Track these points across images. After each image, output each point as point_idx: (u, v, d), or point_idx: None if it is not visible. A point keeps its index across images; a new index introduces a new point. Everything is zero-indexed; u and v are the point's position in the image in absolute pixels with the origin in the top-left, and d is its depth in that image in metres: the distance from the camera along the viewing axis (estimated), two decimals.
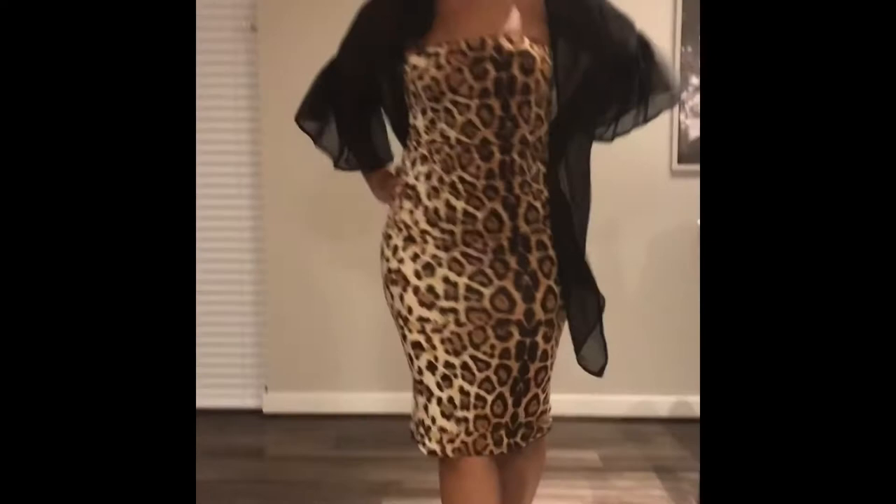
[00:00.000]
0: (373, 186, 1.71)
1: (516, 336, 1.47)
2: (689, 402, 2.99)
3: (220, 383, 3.11)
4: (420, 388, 1.51)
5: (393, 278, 1.50)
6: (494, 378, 1.46)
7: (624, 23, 1.52)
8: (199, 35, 2.88)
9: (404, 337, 1.51)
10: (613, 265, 2.98)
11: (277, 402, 3.07)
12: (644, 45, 1.56)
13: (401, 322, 1.51)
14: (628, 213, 2.94)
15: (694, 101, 2.85)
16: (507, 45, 1.39)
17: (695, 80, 2.84)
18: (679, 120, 2.87)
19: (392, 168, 1.65)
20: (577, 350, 1.61)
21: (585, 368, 1.67)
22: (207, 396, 3.07)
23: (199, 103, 2.91)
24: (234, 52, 2.96)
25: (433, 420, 1.48)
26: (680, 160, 2.89)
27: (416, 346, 1.48)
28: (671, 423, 2.98)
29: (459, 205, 1.43)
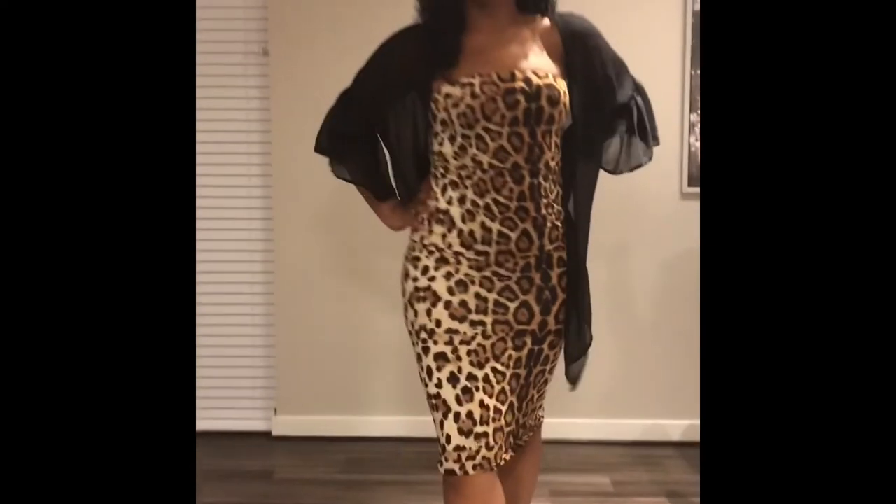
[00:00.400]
0: (383, 215, 1.77)
1: (529, 345, 1.57)
2: None
3: (228, 405, 3.10)
4: (436, 403, 1.53)
5: (420, 295, 1.57)
6: (507, 388, 1.55)
7: (623, 66, 1.67)
8: (212, 59, 2.93)
9: (426, 350, 1.55)
10: (624, 288, 2.97)
11: (286, 425, 3.06)
12: (639, 87, 1.72)
13: (424, 336, 1.56)
14: (639, 236, 2.93)
15: None
16: (535, 79, 1.50)
17: None
18: (689, 142, 2.87)
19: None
20: (568, 360, 1.67)
21: (569, 376, 1.70)
22: (216, 419, 3.07)
23: (213, 126, 2.95)
24: (246, 76, 2.98)
25: (448, 439, 1.51)
26: (690, 183, 2.89)
27: (441, 357, 1.52)
28: (683, 447, 2.94)
29: (495, 226, 1.51)
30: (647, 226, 2.93)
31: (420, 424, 2.92)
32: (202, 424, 3.05)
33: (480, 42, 1.54)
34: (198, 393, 3.03)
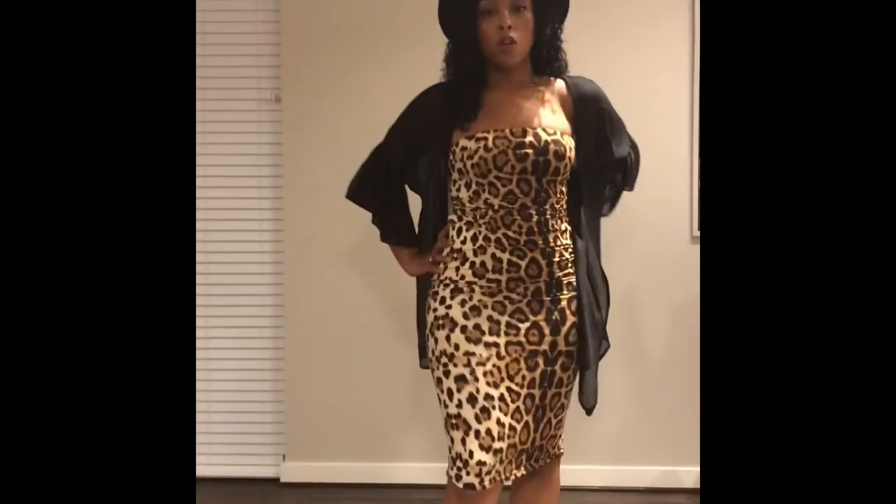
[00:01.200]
0: (404, 262, 1.92)
1: (542, 366, 1.71)
2: None
3: (236, 451, 3.07)
4: (456, 422, 1.65)
5: (440, 323, 1.72)
6: (522, 407, 1.69)
7: (622, 126, 1.90)
8: (225, 105, 2.98)
9: (447, 374, 1.68)
10: (636, 333, 2.95)
11: (295, 471, 3.03)
12: (633, 144, 1.95)
13: (445, 360, 1.69)
14: (650, 281, 2.93)
15: None
16: (544, 135, 1.69)
17: None
18: (698, 187, 2.88)
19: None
20: (583, 374, 1.79)
21: (582, 402, 1.83)
22: (224, 465, 3.04)
23: (224, 171, 2.98)
24: (258, 121, 3.01)
25: (471, 454, 1.62)
26: (700, 227, 2.89)
27: (460, 378, 1.66)
28: (696, 494, 2.90)
29: (505, 256, 1.69)
30: (658, 271, 2.92)
31: (431, 471, 2.89)
32: (210, 470, 3.02)
33: (497, 99, 1.74)
34: (206, 438, 3.01)
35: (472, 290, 1.70)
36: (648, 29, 2.88)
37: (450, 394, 1.67)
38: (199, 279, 2.99)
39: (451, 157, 1.73)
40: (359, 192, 1.90)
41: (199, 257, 2.99)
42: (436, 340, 1.72)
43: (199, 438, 3.00)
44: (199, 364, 2.99)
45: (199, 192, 2.97)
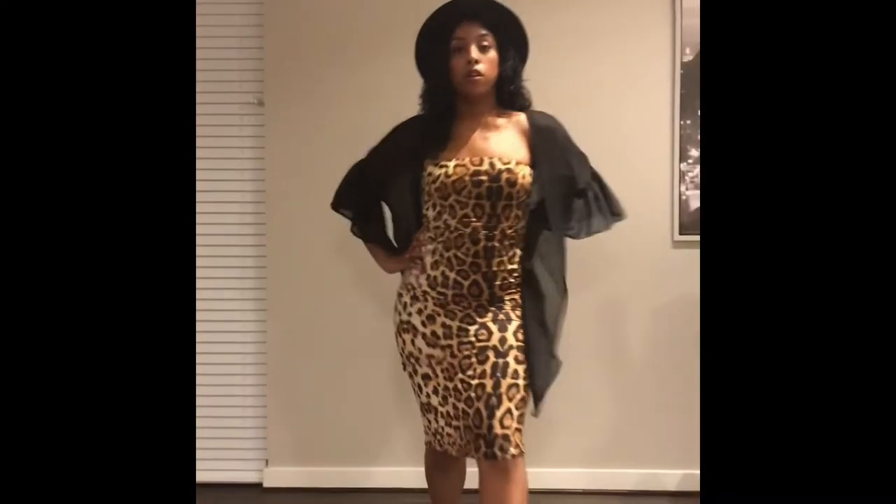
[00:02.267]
0: (381, 260, 2.17)
1: (492, 358, 1.91)
2: (697, 476, 2.94)
3: (219, 457, 3.06)
4: (428, 407, 2.04)
5: (405, 328, 2.03)
6: (473, 395, 1.90)
7: (582, 157, 2.09)
8: (209, 109, 2.97)
9: (415, 371, 2.03)
10: (617, 337, 2.97)
11: (278, 476, 3.02)
12: (595, 174, 2.13)
13: (413, 360, 2.03)
14: (631, 285, 2.95)
15: (694, 172, 2.89)
16: (498, 164, 1.91)
17: (694, 153, 2.89)
18: (679, 191, 2.90)
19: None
20: (534, 388, 1.98)
21: (534, 392, 1.99)
22: (207, 470, 3.02)
23: (207, 175, 2.97)
24: (241, 125, 3.01)
25: (442, 429, 2.01)
26: (681, 231, 2.91)
27: (426, 376, 2.01)
28: (679, 497, 2.92)
29: (451, 275, 1.95)
30: (640, 275, 2.94)
31: (415, 475, 2.89)
32: None
33: (464, 130, 1.99)
34: None
35: (427, 300, 1.98)
36: (629, 34, 2.91)
37: (419, 387, 2.04)
38: None
39: (422, 180, 1.98)
40: (340, 202, 2.16)
41: None
42: (403, 342, 2.05)
43: None
44: None
45: None
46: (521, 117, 2.03)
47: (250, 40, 3.00)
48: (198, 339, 3.01)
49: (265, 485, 3.02)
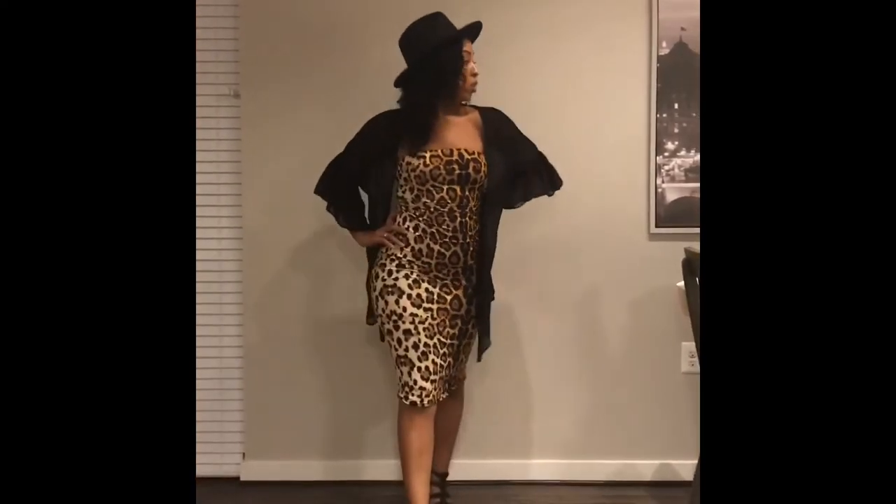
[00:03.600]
0: (357, 237, 2.50)
1: (460, 325, 2.41)
2: (674, 467, 2.97)
3: (197, 450, 3.02)
4: (404, 361, 2.31)
5: (389, 290, 2.33)
6: (447, 352, 2.36)
7: (528, 143, 2.49)
8: None
9: (396, 328, 2.31)
10: (595, 329, 2.99)
11: (255, 469, 3.01)
12: (540, 155, 2.52)
13: (395, 318, 2.31)
14: (608, 277, 2.96)
15: (669, 165, 2.91)
16: (466, 155, 2.32)
17: (670, 146, 2.90)
18: (656, 184, 2.92)
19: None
20: (483, 335, 2.47)
21: (482, 346, 2.50)
22: None
23: None
24: (217, 117, 2.99)
25: (415, 382, 2.29)
26: (658, 223, 2.93)
27: (407, 332, 2.30)
28: (655, 486, 2.94)
29: (436, 247, 2.33)
30: (616, 267, 2.96)
31: (392, 468, 2.90)
32: None
33: (441, 129, 2.35)
34: None
35: (412, 268, 2.33)
36: (606, 28, 2.91)
37: (399, 342, 2.30)
38: None
39: (398, 168, 2.35)
40: (321, 189, 2.48)
41: None
42: (386, 303, 2.33)
43: None
44: None
45: None
46: (475, 113, 2.43)
47: (225, 31, 2.97)
48: None
49: (242, 478, 3.01)
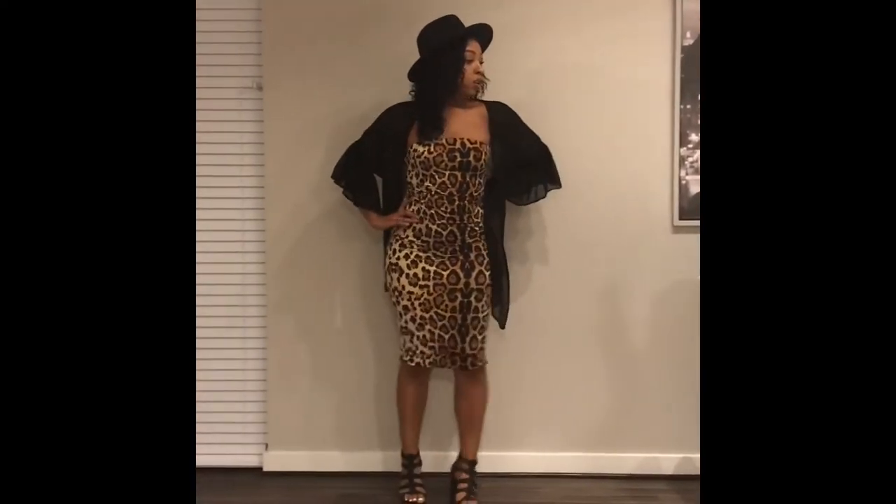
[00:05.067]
0: (371, 220, 2.74)
1: (460, 298, 2.58)
2: (695, 460, 2.95)
3: (219, 441, 3.07)
4: (405, 330, 2.62)
5: (393, 268, 2.61)
6: (448, 325, 2.58)
7: (533, 136, 2.67)
8: (208, 93, 2.96)
9: (398, 303, 2.61)
10: (617, 322, 2.97)
11: (278, 460, 3.03)
12: (544, 150, 2.69)
13: (396, 294, 2.61)
14: (631, 270, 2.95)
15: (693, 157, 2.88)
16: (468, 144, 2.55)
17: (694, 137, 2.88)
18: (679, 176, 2.90)
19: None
20: (496, 307, 2.72)
21: (497, 319, 2.74)
22: (207, 454, 3.03)
23: (207, 160, 2.97)
24: (240, 110, 3.00)
25: (416, 347, 2.59)
26: (681, 216, 2.91)
27: (406, 308, 2.60)
28: (677, 480, 2.93)
29: (434, 227, 2.57)
30: (640, 259, 2.94)
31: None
32: None
33: (448, 120, 2.57)
34: None
35: (412, 247, 2.58)
36: (630, 19, 2.89)
37: (400, 315, 2.62)
38: None
39: (407, 155, 2.59)
40: (337, 174, 2.71)
41: None
42: (391, 279, 2.62)
43: None
44: None
45: None
46: (482, 107, 2.64)
47: (248, 24, 2.98)
48: (198, 324, 3.02)
49: (265, 468, 3.03)
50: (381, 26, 2.90)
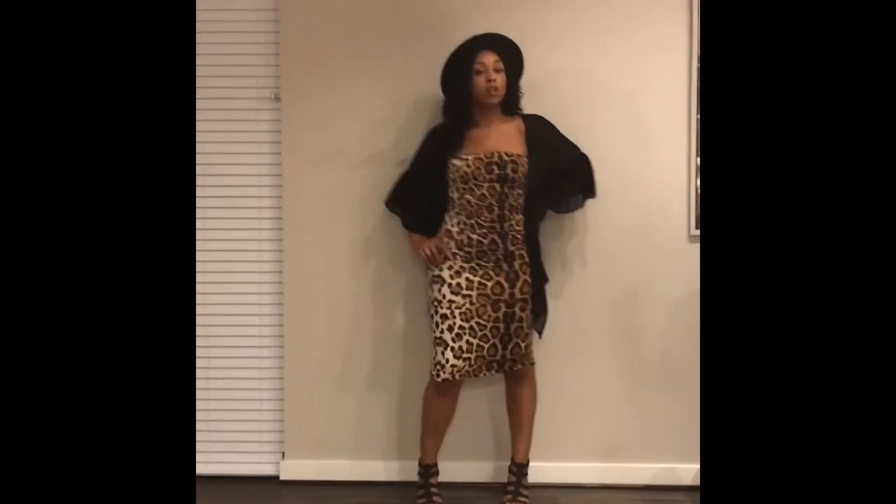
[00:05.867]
0: (415, 242, 2.80)
1: (503, 308, 2.62)
2: None
3: (236, 449, 3.08)
4: (440, 341, 2.60)
5: (435, 279, 2.65)
6: (489, 334, 2.60)
7: (570, 145, 2.74)
8: (224, 104, 2.99)
9: (436, 312, 2.62)
10: (634, 332, 2.97)
11: (294, 469, 3.04)
12: (582, 158, 2.75)
13: (435, 304, 2.63)
14: (648, 280, 2.94)
15: None
16: (505, 157, 2.61)
17: None
18: (696, 186, 2.89)
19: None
20: (535, 318, 2.74)
21: (535, 328, 2.78)
22: (224, 463, 3.05)
23: (224, 170, 3.00)
24: (257, 121, 3.02)
25: (447, 360, 2.58)
26: (697, 225, 2.90)
27: (444, 317, 2.60)
28: (694, 491, 2.91)
29: (475, 237, 2.62)
30: (656, 268, 2.93)
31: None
32: (209, 468, 3.03)
33: (478, 133, 2.66)
34: (205, 437, 3.02)
35: (456, 259, 2.63)
36: (646, 28, 2.89)
37: (436, 325, 2.61)
38: (198, 277, 2.99)
39: (447, 171, 2.64)
40: (392, 204, 2.81)
41: (198, 255, 3.00)
42: (432, 291, 2.65)
43: (198, 437, 3.00)
44: (197, 362, 3.00)
45: (198, 191, 2.98)
46: (519, 120, 2.71)
47: (266, 35, 3.01)
48: (215, 332, 3.04)
49: (282, 477, 3.04)
50: (399, 38, 2.92)
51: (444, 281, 2.61)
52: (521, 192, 2.64)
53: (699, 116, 2.87)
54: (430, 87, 2.75)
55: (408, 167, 2.76)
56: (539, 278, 2.72)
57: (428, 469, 2.77)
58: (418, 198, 2.75)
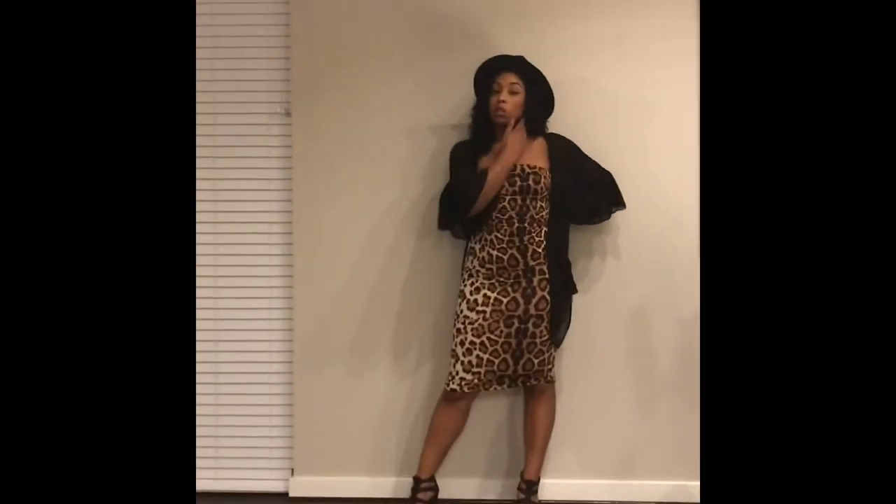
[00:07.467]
0: (492, 168, 2.71)
1: (516, 324, 2.65)
2: None
3: (245, 466, 3.06)
4: (452, 354, 2.67)
5: (460, 294, 2.71)
6: (500, 349, 2.64)
7: (591, 164, 2.76)
8: (235, 119, 3.00)
9: (453, 326, 2.69)
10: (645, 346, 2.94)
11: (304, 485, 3.02)
12: (605, 175, 2.78)
13: (455, 318, 2.69)
14: (660, 294, 2.92)
15: None
16: (527, 169, 2.64)
17: None
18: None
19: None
20: (555, 330, 2.73)
21: (554, 341, 2.74)
22: (232, 479, 3.03)
23: (234, 185, 3.00)
24: (268, 135, 3.03)
25: (457, 373, 2.64)
26: None
27: (458, 331, 2.67)
28: None
29: (494, 252, 2.64)
30: (667, 285, 2.92)
31: (446, 485, 2.88)
32: (218, 485, 3.02)
33: (501, 146, 2.64)
34: (214, 453, 3.01)
35: (478, 276, 2.67)
36: (656, 44, 2.89)
37: (453, 338, 2.69)
38: (208, 292, 2.99)
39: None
40: (445, 225, 2.82)
41: (208, 270, 3.00)
42: (457, 304, 2.71)
43: (207, 453, 3.00)
44: (207, 378, 3.00)
45: (208, 206, 2.99)
46: (542, 139, 2.73)
47: (276, 50, 3.02)
48: (224, 347, 3.04)
49: (291, 494, 3.02)
50: (410, 51, 2.93)
51: (464, 296, 2.67)
52: (543, 204, 2.65)
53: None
54: (441, 102, 2.75)
55: (450, 182, 2.72)
56: (567, 289, 2.75)
57: (419, 484, 2.73)
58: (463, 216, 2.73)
